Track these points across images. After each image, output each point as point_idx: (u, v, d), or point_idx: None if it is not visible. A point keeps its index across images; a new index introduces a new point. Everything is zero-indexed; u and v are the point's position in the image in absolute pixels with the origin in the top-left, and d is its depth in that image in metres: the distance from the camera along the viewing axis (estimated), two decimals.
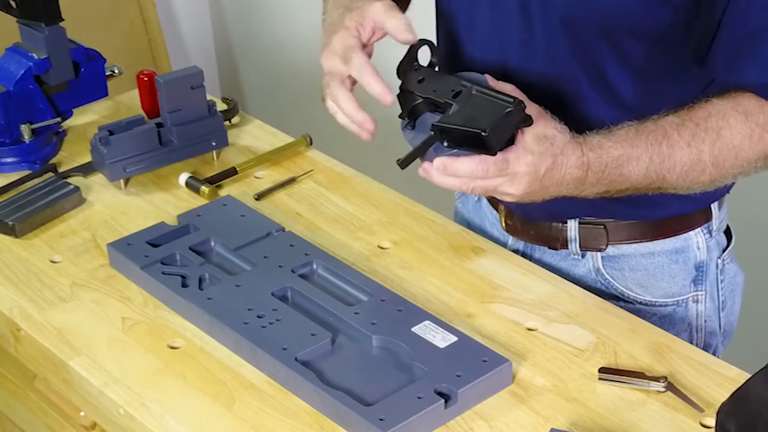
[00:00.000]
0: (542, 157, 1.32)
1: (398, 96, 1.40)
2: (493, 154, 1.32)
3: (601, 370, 1.36)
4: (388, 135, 1.54)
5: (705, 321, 1.60)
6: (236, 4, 3.42)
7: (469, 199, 1.73)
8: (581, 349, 1.41)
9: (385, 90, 1.35)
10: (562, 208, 1.53)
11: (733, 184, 1.56)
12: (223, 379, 1.37)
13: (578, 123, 1.41)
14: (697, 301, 1.59)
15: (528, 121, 1.33)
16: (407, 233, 1.64)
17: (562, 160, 1.33)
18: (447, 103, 1.36)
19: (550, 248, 1.60)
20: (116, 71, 1.97)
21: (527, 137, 1.32)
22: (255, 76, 3.47)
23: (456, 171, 1.32)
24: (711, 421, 1.27)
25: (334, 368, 1.35)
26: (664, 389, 1.33)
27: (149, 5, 3.28)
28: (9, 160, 1.81)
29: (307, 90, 3.23)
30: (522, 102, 1.32)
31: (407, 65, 1.41)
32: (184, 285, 1.49)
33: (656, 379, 1.33)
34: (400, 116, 1.41)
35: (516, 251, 1.63)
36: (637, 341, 1.42)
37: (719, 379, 1.36)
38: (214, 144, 1.82)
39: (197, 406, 1.33)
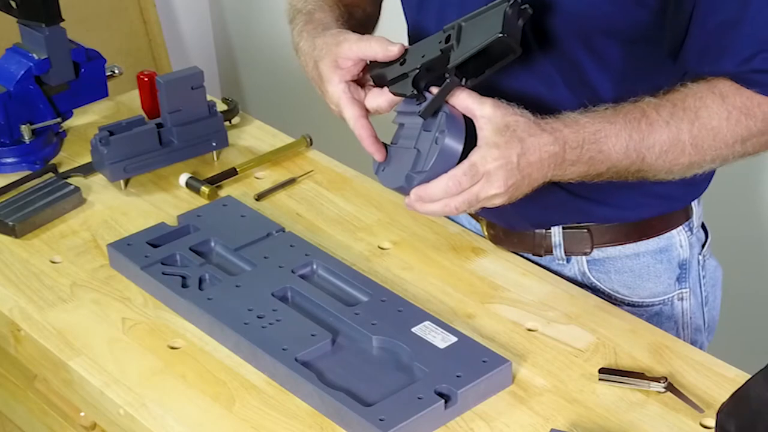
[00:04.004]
0: (509, 146, 1.30)
1: (391, 91, 1.39)
2: (517, 52, 1.30)
3: (601, 370, 1.36)
4: (388, 135, 1.54)
5: (690, 318, 1.61)
6: (236, 4, 3.42)
7: None
8: (581, 349, 1.41)
9: (374, 148, 1.40)
10: (544, 215, 1.54)
11: (711, 179, 1.56)
12: (223, 380, 1.37)
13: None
14: (682, 299, 1.60)
15: (528, 10, 1.30)
16: (407, 234, 1.64)
17: (532, 141, 1.31)
18: (446, 50, 1.33)
19: (534, 254, 1.59)
20: (116, 71, 1.97)
21: (487, 133, 1.31)
22: (255, 76, 3.47)
23: (431, 195, 1.31)
24: (711, 422, 1.27)
25: (334, 368, 1.35)
26: (664, 390, 1.33)
27: (149, 5, 3.28)
28: (9, 160, 1.81)
29: (307, 90, 3.22)
30: None
31: (379, 67, 1.40)
32: (184, 285, 1.49)
33: (656, 379, 1.33)
34: (408, 95, 1.38)
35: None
36: (637, 342, 1.42)
37: (719, 380, 1.36)
38: (214, 144, 1.82)
39: (197, 407, 1.33)
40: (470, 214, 1.66)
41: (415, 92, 1.36)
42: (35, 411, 1.62)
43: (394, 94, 1.39)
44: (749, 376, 1.15)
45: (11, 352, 1.54)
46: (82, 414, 1.49)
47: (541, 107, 1.38)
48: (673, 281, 1.58)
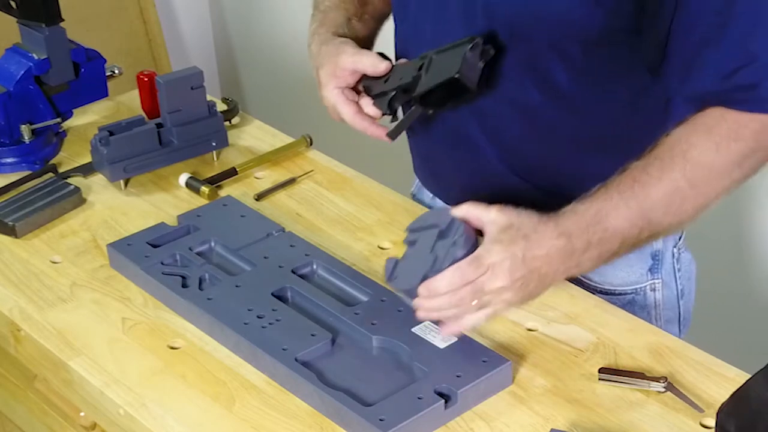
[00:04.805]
0: (513, 241, 1.31)
1: (374, 104, 1.51)
2: (474, 91, 1.39)
3: (601, 370, 1.36)
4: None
5: (662, 309, 1.62)
6: (236, 4, 3.42)
7: (425, 193, 1.74)
8: (581, 349, 1.41)
9: (378, 131, 1.51)
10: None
11: None
12: (223, 380, 1.37)
13: (531, 127, 1.47)
14: (654, 290, 1.61)
15: (490, 51, 1.39)
16: None
17: (536, 237, 1.31)
18: (416, 78, 1.43)
19: None
20: (116, 71, 1.97)
21: (492, 230, 1.32)
22: (255, 76, 3.47)
23: (437, 288, 1.31)
24: (711, 422, 1.27)
25: (334, 368, 1.35)
26: (664, 389, 1.33)
27: (149, 5, 3.28)
28: (9, 160, 1.81)
29: (307, 90, 3.22)
30: (477, 37, 1.39)
31: (368, 80, 1.52)
32: (184, 285, 1.49)
33: (656, 379, 1.34)
34: (382, 116, 1.51)
35: None
36: (637, 341, 1.42)
37: (719, 379, 1.36)
38: (214, 144, 1.82)
39: (197, 407, 1.33)
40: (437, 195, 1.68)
41: (389, 112, 1.49)
42: (35, 411, 1.62)
43: (377, 105, 1.51)
44: (749, 376, 1.15)
45: (11, 352, 1.54)
46: (82, 414, 1.49)
47: (514, 107, 1.45)
48: (645, 271, 1.60)
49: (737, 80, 1.33)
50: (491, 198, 1.54)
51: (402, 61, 1.54)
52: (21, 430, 1.70)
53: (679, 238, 1.62)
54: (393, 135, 1.46)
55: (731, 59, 1.32)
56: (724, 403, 1.14)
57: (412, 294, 1.34)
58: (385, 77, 1.50)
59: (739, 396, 1.13)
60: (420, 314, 1.34)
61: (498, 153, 1.54)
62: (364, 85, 1.53)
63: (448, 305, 1.31)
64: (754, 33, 1.32)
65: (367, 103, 1.53)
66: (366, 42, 1.65)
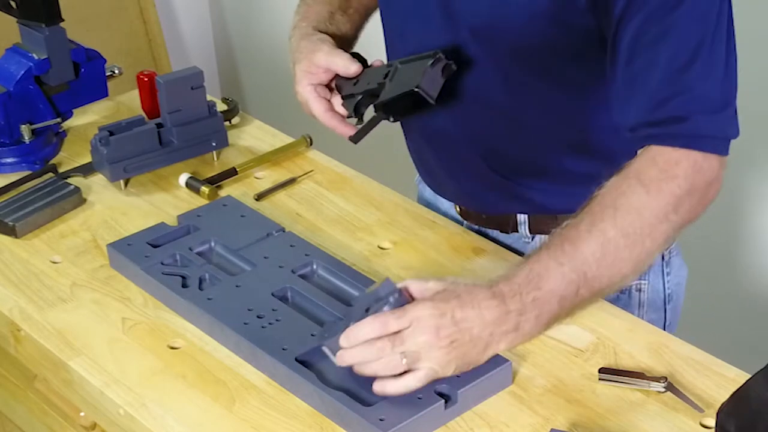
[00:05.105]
0: (444, 300, 1.27)
1: (342, 105, 1.55)
2: (433, 105, 1.43)
3: (601, 370, 1.36)
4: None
5: (647, 311, 1.62)
6: (236, 4, 3.42)
7: (426, 189, 1.75)
8: (581, 349, 1.41)
9: (346, 130, 1.53)
10: (512, 205, 1.59)
11: None
12: (223, 380, 1.37)
13: (504, 127, 1.49)
14: (640, 290, 1.60)
15: (452, 67, 1.43)
16: (407, 234, 1.64)
17: (468, 297, 1.28)
18: (381, 85, 1.47)
19: (501, 231, 1.63)
20: (116, 71, 1.97)
21: (427, 294, 1.30)
22: (255, 76, 3.47)
23: (356, 335, 1.27)
24: (711, 421, 1.27)
25: (334, 368, 1.35)
26: (664, 389, 1.33)
27: (149, 5, 3.28)
28: (9, 160, 1.81)
29: None
30: (440, 52, 1.43)
31: (340, 80, 1.55)
32: (184, 285, 1.49)
33: (656, 379, 1.34)
34: (348, 117, 1.54)
35: (471, 229, 1.66)
36: (637, 341, 1.42)
37: (719, 379, 1.36)
38: (214, 144, 1.82)
39: (197, 407, 1.33)
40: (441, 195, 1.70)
41: (353, 115, 1.53)
42: (35, 411, 1.62)
43: (345, 107, 1.55)
44: (749, 376, 1.15)
45: (11, 352, 1.54)
46: (82, 414, 1.49)
47: (489, 106, 1.48)
48: None
49: (668, 111, 1.31)
50: (481, 195, 1.57)
51: (376, 62, 1.56)
52: (21, 430, 1.70)
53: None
54: (355, 139, 1.50)
55: (663, 88, 1.31)
56: (724, 403, 1.14)
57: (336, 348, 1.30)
58: (355, 79, 1.53)
59: (739, 396, 1.13)
60: (339, 361, 1.29)
61: (479, 152, 1.56)
62: (336, 84, 1.57)
63: (369, 354, 1.26)
64: (689, 64, 1.30)
65: (338, 101, 1.56)
66: (348, 37, 1.67)
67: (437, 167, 1.65)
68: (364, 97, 1.52)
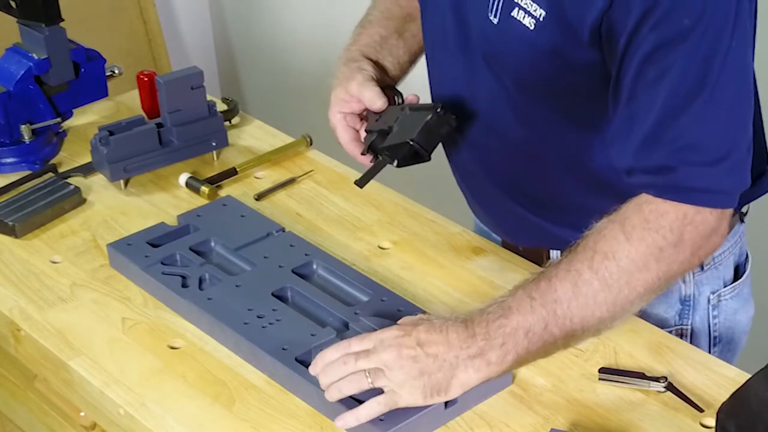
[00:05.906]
0: (414, 323, 1.29)
1: (364, 137, 1.54)
2: (428, 159, 1.43)
3: (601, 370, 1.36)
4: None
5: None
6: (236, 4, 3.42)
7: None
8: (581, 349, 1.41)
9: (366, 162, 1.52)
10: (542, 240, 1.56)
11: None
12: (223, 379, 1.37)
13: (518, 159, 1.47)
14: (681, 335, 1.54)
15: (451, 122, 1.43)
16: (407, 233, 1.64)
17: (438, 323, 1.28)
18: (390, 128, 1.47)
19: (538, 265, 1.56)
20: (116, 71, 1.97)
21: (400, 320, 1.32)
22: (255, 76, 3.47)
23: (325, 356, 1.30)
24: (711, 421, 1.27)
25: None
26: (664, 389, 1.33)
27: (149, 5, 3.28)
28: (9, 160, 1.81)
29: (307, 90, 3.23)
30: (441, 105, 1.43)
31: (369, 112, 1.54)
32: (184, 285, 1.49)
33: (656, 379, 1.34)
34: (362, 153, 1.53)
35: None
36: (637, 341, 1.42)
37: (719, 379, 1.36)
38: (214, 144, 1.82)
39: (197, 407, 1.33)
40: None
41: (367, 152, 1.52)
42: (35, 411, 1.62)
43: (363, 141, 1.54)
44: (749, 376, 1.15)
45: (11, 352, 1.54)
46: (82, 414, 1.49)
47: (502, 141, 1.47)
48: (673, 315, 1.54)
49: (657, 159, 1.26)
50: (512, 230, 1.56)
51: (411, 97, 1.54)
52: (21, 430, 1.70)
53: (724, 285, 1.55)
54: (360, 183, 1.49)
55: (656, 133, 1.26)
56: (724, 403, 1.14)
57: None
58: (378, 115, 1.52)
59: (739, 396, 1.13)
60: (321, 381, 1.30)
61: (503, 187, 1.53)
62: (366, 115, 1.55)
63: (332, 373, 1.28)
64: (683, 109, 1.24)
65: (363, 132, 1.55)
66: (402, 62, 1.62)
67: (472, 200, 1.63)
68: (378, 136, 1.50)
